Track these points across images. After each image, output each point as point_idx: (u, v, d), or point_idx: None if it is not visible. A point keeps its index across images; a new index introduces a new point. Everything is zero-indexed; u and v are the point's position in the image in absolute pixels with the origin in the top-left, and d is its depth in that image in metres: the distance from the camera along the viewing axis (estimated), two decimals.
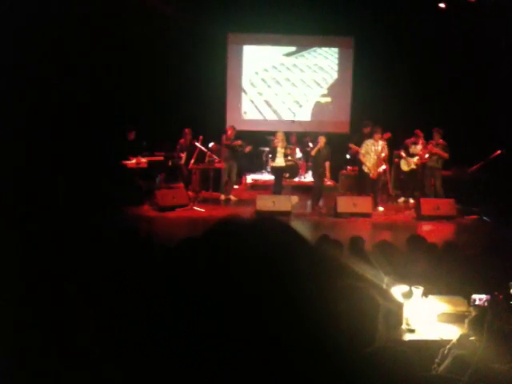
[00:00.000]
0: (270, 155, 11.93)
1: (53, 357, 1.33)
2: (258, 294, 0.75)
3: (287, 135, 13.88)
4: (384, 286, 4.48)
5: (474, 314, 3.82)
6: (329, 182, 13.51)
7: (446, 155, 11.39)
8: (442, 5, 12.68)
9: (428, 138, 11.77)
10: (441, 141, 11.45)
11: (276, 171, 11.90)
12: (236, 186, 12.88)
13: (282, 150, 11.71)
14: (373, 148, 11.30)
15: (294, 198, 11.73)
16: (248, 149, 12.07)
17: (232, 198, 12.16)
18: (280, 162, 11.74)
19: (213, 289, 0.76)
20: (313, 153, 11.66)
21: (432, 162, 11.57)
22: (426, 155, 11.69)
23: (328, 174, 11.76)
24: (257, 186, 13.30)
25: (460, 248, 5.86)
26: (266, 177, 13.83)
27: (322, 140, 11.44)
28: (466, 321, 3.80)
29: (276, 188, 11.87)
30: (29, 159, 9.20)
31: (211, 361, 0.76)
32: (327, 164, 11.57)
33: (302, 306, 0.77)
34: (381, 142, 11.29)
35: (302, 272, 0.79)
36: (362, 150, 11.42)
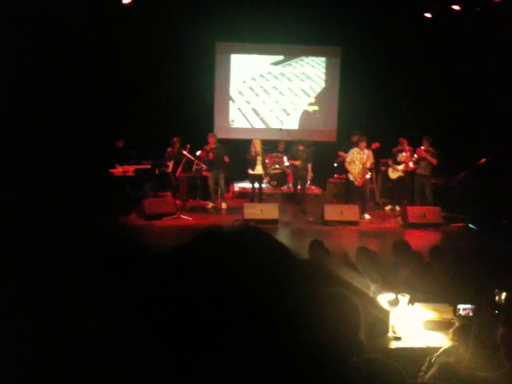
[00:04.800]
0: (249, 164, 11.93)
1: (51, 358, 1.33)
2: (240, 303, 0.76)
3: (275, 144, 13.95)
4: (371, 294, 4.49)
5: (457, 324, 3.84)
6: (316, 190, 13.56)
7: (434, 161, 11.47)
8: (427, 14, 12.80)
9: (413, 146, 11.86)
10: (430, 148, 11.54)
11: (255, 179, 11.93)
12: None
13: (261, 158, 11.76)
14: (358, 156, 11.36)
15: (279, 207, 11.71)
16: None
17: (223, 206, 12.14)
18: (259, 169, 11.79)
19: (198, 297, 0.77)
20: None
21: (421, 170, 11.65)
22: (411, 163, 11.78)
23: (310, 175, 11.80)
24: (244, 194, 13.29)
25: (446, 254, 5.89)
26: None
27: (299, 147, 11.65)
28: (451, 331, 3.82)
29: (255, 196, 11.91)
30: (16, 167, 9.15)
31: (201, 367, 0.76)
32: (309, 166, 11.68)
33: (284, 314, 0.78)
34: (366, 151, 11.35)
35: (284, 280, 0.79)
36: (348, 158, 11.49)
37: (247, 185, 13.78)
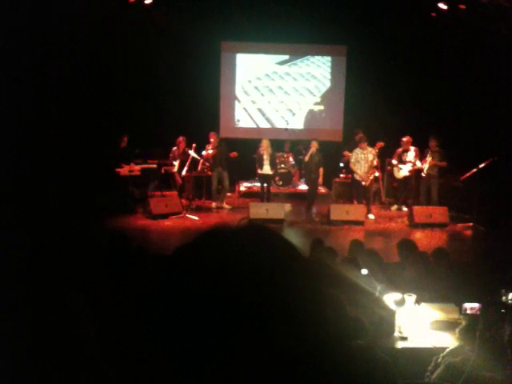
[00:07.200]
0: (257, 163, 11.93)
1: (51, 358, 1.33)
2: (241, 303, 0.75)
3: (281, 143, 13.95)
4: (377, 294, 4.48)
5: (464, 323, 3.82)
6: (322, 190, 13.54)
7: (443, 164, 11.41)
8: (433, 13, 12.75)
9: (418, 145, 11.81)
10: (437, 148, 11.46)
11: (263, 179, 11.91)
12: (229, 194, 12.87)
13: (268, 158, 11.74)
14: (362, 156, 11.31)
15: (287, 206, 11.72)
16: (233, 154, 11.99)
17: (225, 206, 12.13)
18: (267, 169, 11.77)
19: (203, 297, 0.77)
20: (306, 158, 11.72)
21: (429, 169, 11.58)
22: (418, 162, 11.70)
23: (321, 179, 11.79)
24: (249, 194, 13.30)
25: (451, 255, 5.87)
26: (259, 184, 13.83)
27: (314, 145, 11.52)
28: (457, 330, 3.80)
29: (264, 196, 11.89)
30: (20, 165, 9.17)
31: (202, 367, 0.76)
32: (321, 170, 11.63)
33: (285, 314, 0.77)
34: (370, 149, 11.31)
35: (288, 280, 0.79)
36: (352, 159, 11.44)
37: (252, 184, 13.80)
